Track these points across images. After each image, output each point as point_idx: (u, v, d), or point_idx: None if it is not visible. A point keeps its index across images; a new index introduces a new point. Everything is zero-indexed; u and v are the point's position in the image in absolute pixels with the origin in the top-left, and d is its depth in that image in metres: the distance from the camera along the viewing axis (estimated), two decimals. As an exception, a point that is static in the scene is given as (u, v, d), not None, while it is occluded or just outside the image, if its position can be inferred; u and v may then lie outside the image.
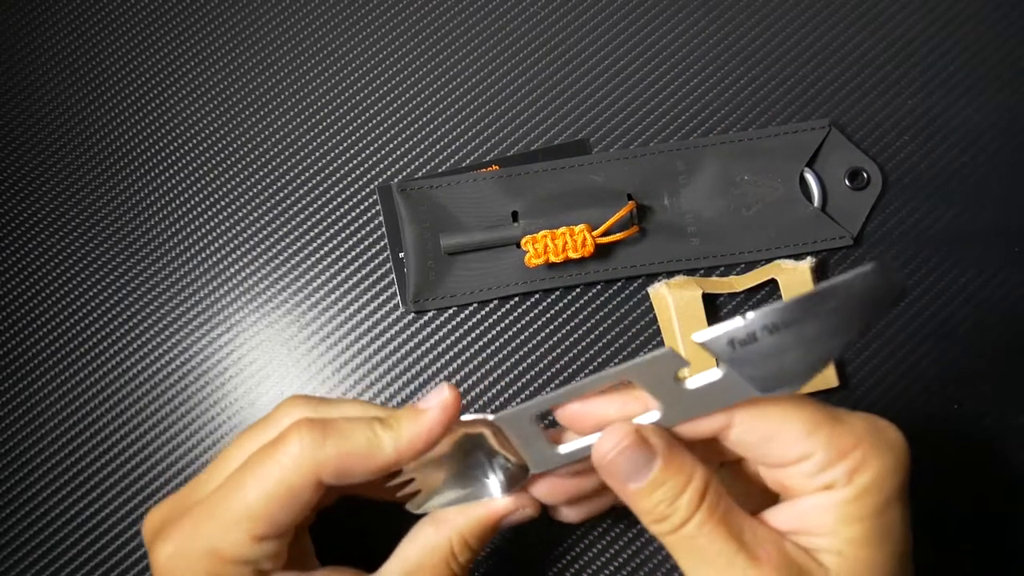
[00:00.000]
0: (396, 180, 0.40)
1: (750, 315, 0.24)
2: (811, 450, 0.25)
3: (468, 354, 0.39)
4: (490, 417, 0.27)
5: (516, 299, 0.39)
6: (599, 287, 0.39)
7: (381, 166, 0.41)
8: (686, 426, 0.26)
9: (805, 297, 0.23)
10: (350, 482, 0.27)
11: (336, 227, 0.40)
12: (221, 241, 0.40)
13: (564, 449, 0.27)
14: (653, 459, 0.26)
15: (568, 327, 0.39)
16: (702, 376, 0.25)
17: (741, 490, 0.30)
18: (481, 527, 0.28)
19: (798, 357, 0.24)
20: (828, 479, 0.25)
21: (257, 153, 0.41)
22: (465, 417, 0.28)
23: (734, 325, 0.24)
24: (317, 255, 0.40)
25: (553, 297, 0.39)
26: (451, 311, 0.39)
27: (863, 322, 0.24)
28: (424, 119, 0.41)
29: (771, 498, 0.29)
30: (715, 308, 0.39)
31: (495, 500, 0.29)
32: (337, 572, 0.29)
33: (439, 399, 0.27)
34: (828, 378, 0.37)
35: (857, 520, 0.25)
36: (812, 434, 0.25)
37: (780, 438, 0.26)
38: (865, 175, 0.39)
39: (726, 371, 0.25)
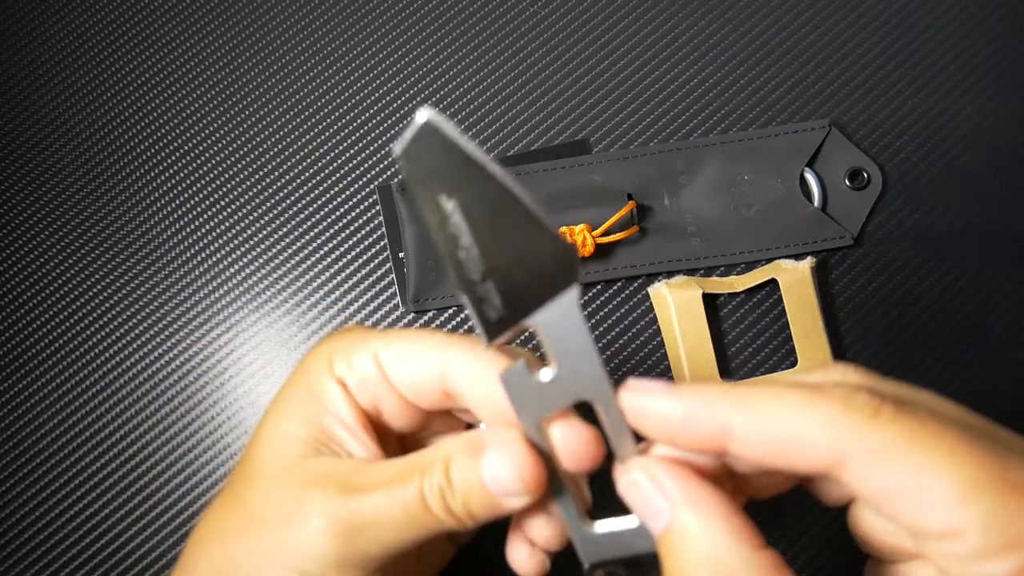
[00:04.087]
0: (396, 180, 0.40)
1: None
2: (962, 525, 0.17)
3: (468, 354, 0.38)
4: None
5: (516, 299, 0.39)
6: (599, 287, 0.39)
7: (381, 166, 0.41)
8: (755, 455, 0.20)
9: None
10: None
11: (336, 227, 0.40)
12: (221, 241, 0.40)
13: (602, 529, 0.23)
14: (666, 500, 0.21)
15: (568, 327, 0.39)
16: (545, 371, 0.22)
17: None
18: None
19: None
20: (989, 572, 0.17)
21: (257, 153, 0.41)
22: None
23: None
24: (317, 255, 0.40)
25: (553, 297, 0.39)
26: (451, 311, 0.39)
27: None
28: (424, 119, 0.41)
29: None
30: (715, 308, 0.39)
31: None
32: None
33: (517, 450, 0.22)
34: (828, 378, 0.37)
35: None
36: (966, 501, 0.17)
37: (912, 497, 0.18)
38: (865, 175, 0.39)
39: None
